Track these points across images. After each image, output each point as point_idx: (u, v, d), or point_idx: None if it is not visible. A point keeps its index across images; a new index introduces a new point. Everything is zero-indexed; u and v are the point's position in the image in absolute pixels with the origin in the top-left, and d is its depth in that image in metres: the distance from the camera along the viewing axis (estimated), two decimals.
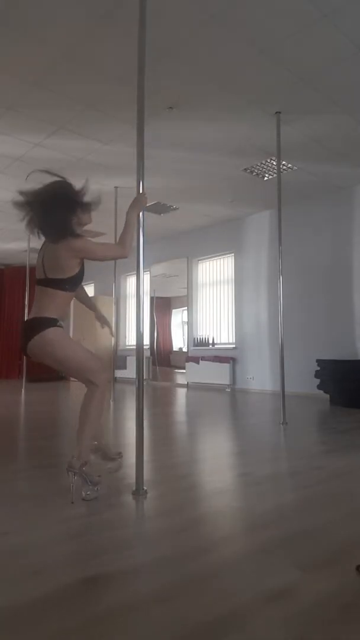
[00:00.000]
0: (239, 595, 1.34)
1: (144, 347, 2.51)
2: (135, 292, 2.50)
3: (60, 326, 2.22)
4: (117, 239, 2.37)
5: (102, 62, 3.67)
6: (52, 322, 2.18)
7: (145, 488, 2.27)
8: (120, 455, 2.61)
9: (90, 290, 11.39)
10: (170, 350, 14.07)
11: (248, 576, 1.46)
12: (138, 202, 2.44)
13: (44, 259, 2.28)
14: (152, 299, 10.26)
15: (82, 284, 2.42)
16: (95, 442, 2.50)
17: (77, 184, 2.33)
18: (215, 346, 8.42)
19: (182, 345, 14.18)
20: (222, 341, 8.41)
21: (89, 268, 2.49)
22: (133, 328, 10.37)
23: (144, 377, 2.43)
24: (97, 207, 2.35)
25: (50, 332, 2.16)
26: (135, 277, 2.50)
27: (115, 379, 8.96)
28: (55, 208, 2.23)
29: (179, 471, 2.74)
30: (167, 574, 1.48)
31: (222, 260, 8.54)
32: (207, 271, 8.87)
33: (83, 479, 2.19)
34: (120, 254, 2.33)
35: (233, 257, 8.22)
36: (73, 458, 2.19)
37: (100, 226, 6.36)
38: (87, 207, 2.32)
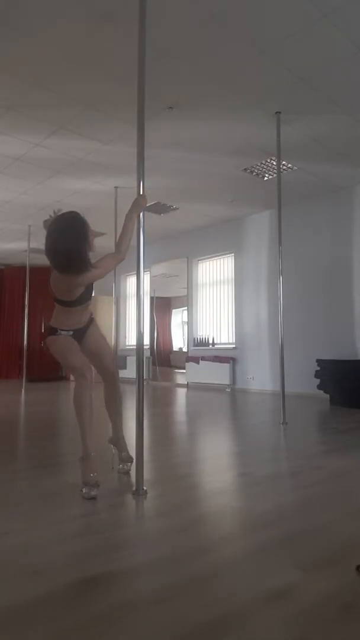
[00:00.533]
0: (239, 595, 1.34)
1: (144, 347, 2.52)
2: (136, 292, 2.50)
3: (60, 334, 2.45)
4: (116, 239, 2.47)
5: (102, 62, 3.67)
6: (53, 331, 2.47)
7: (145, 488, 2.27)
8: (130, 459, 2.63)
9: None
10: (170, 350, 14.06)
11: (248, 576, 1.46)
12: (137, 204, 2.46)
13: (55, 283, 2.33)
14: (152, 299, 10.25)
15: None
16: (110, 439, 2.72)
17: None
18: (215, 346, 8.42)
19: (182, 345, 14.18)
20: (222, 341, 8.41)
21: None
22: (133, 328, 10.38)
23: (144, 377, 2.43)
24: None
25: (48, 339, 2.49)
26: (136, 277, 2.50)
27: None
28: (72, 239, 2.12)
29: (179, 471, 2.74)
30: (167, 574, 1.48)
31: (222, 260, 8.54)
32: (207, 271, 8.86)
33: (82, 468, 2.29)
34: (118, 261, 2.42)
35: (233, 257, 8.22)
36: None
37: (101, 226, 6.36)
38: (93, 232, 2.27)
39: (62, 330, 2.45)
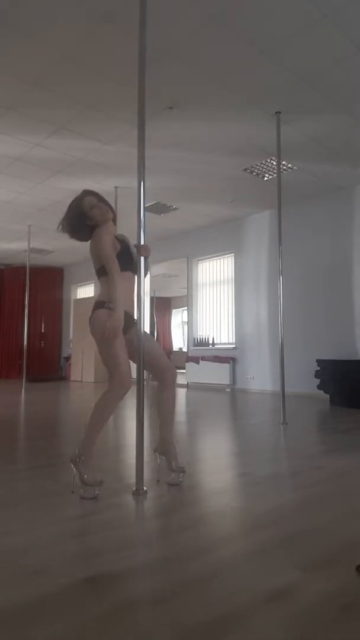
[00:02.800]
0: (239, 595, 1.34)
1: None
2: (136, 292, 2.50)
3: (109, 308, 2.27)
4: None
5: (102, 62, 3.67)
6: (100, 304, 2.34)
7: (145, 488, 2.27)
8: (182, 470, 2.45)
9: (90, 290, 11.40)
10: (170, 350, 14.08)
11: (248, 576, 1.46)
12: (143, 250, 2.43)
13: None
14: (152, 299, 10.25)
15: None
16: (157, 447, 2.51)
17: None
18: (215, 346, 8.42)
19: (182, 345, 14.20)
20: (222, 341, 8.40)
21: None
22: None
23: (144, 377, 2.43)
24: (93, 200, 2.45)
25: (101, 313, 2.31)
26: (136, 277, 2.50)
27: None
28: (70, 216, 2.50)
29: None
30: (167, 574, 1.48)
31: (222, 260, 8.54)
32: (207, 271, 8.86)
33: (77, 472, 2.25)
34: (109, 263, 2.34)
35: (233, 257, 8.22)
36: (77, 448, 2.28)
37: None
38: (89, 205, 2.43)
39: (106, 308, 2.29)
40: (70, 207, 2.49)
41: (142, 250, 2.42)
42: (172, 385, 2.48)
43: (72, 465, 2.28)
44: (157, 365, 2.46)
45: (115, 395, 2.27)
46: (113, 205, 6.52)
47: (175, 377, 2.53)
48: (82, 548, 1.69)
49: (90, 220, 2.44)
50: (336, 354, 6.31)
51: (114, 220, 2.54)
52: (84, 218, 2.44)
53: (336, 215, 6.64)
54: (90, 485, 2.20)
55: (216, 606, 1.28)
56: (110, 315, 2.23)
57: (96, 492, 2.18)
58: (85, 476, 2.22)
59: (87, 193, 2.48)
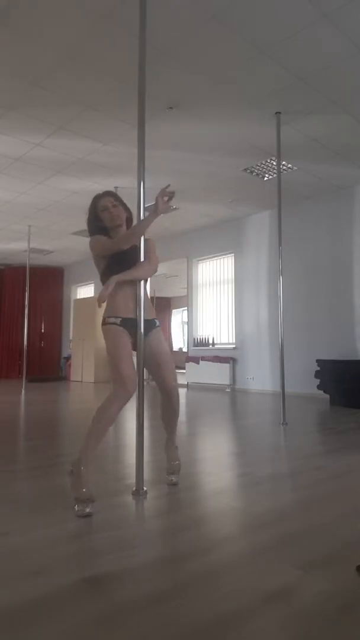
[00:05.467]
0: (238, 595, 1.34)
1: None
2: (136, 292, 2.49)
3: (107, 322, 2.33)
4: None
5: (102, 62, 3.67)
6: (103, 321, 2.38)
7: (145, 488, 2.27)
8: (178, 469, 2.51)
9: (90, 290, 11.40)
10: (170, 351, 14.07)
11: (248, 576, 1.46)
12: (157, 207, 2.32)
13: None
14: (152, 298, 10.25)
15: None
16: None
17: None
18: (215, 346, 8.42)
19: (182, 345, 14.19)
20: (222, 341, 8.40)
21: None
22: None
23: (144, 377, 2.42)
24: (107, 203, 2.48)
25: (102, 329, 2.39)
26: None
27: None
28: (88, 217, 2.56)
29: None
30: (167, 574, 1.48)
31: (222, 260, 8.54)
32: (207, 271, 8.86)
33: (72, 484, 2.11)
34: (113, 248, 2.36)
35: (233, 257, 8.22)
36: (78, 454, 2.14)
37: None
38: (102, 207, 2.48)
39: (110, 317, 2.31)
40: (89, 207, 2.55)
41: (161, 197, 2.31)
42: (171, 400, 2.50)
43: (70, 476, 2.15)
44: (164, 377, 2.45)
45: (117, 398, 2.16)
46: None
47: (178, 395, 2.56)
48: (82, 548, 1.69)
49: (101, 222, 2.49)
50: (336, 354, 6.31)
51: (130, 219, 2.56)
52: (98, 219, 2.49)
53: (336, 215, 6.64)
54: (82, 502, 2.00)
55: (216, 606, 1.28)
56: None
57: (87, 510, 1.97)
58: (84, 490, 2.04)
59: (105, 194, 2.51)
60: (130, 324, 2.31)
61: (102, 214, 2.46)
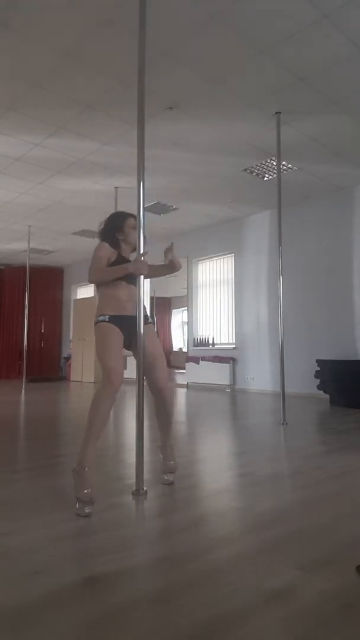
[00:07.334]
0: (239, 595, 1.34)
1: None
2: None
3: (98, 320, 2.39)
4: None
5: (102, 62, 3.67)
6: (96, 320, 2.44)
7: (145, 488, 2.27)
8: (175, 469, 2.50)
9: (90, 290, 11.40)
10: (170, 351, 14.07)
11: (248, 576, 1.45)
12: (136, 265, 2.39)
13: None
14: (152, 299, 10.25)
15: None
16: (160, 444, 2.55)
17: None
18: (215, 346, 8.42)
19: (182, 346, 14.19)
20: (222, 341, 8.40)
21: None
22: None
23: (144, 377, 2.42)
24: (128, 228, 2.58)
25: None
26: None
27: None
28: (108, 224, 2.65)
29: (179, 471, 2.73)
30: (167, 574, 1.48)
31: (222, 260, 8.54)
32: (207, 271, 8.86)
33: (75, 484, 2.09)
34: (101, 268, 2.41)
35: (233, 257, 8.22)
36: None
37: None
38: (132, 225, 2.57)
39: (99, 316, 2.38)
40: (112, 216, 2.65)
41: (138, 268, 2.39)
42: (164, 400, 2.48)
43: (73, 476, 2.14)
44: (156, 378, 2.47)
45: (105, 392, 2.18)
46: (113, 205, 6.55)
47: (171, 394, 2.56)
48: (82, 548, 1.69)
49: (122, 235, 2.56)
50: (336, 354, 6.31)
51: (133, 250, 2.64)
52: (119, 231, 2.56)
53: (336, 215, 6.64)
54: (83, 502, 2.01)
55: (216, 606, 1.28)
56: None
57: (86, 510, 1.98)
58: (85, 491, 2.03)
59: (133, 216, 2.60)
60: (120, 321, 2.36)
61: (131, 231, 2.56)
